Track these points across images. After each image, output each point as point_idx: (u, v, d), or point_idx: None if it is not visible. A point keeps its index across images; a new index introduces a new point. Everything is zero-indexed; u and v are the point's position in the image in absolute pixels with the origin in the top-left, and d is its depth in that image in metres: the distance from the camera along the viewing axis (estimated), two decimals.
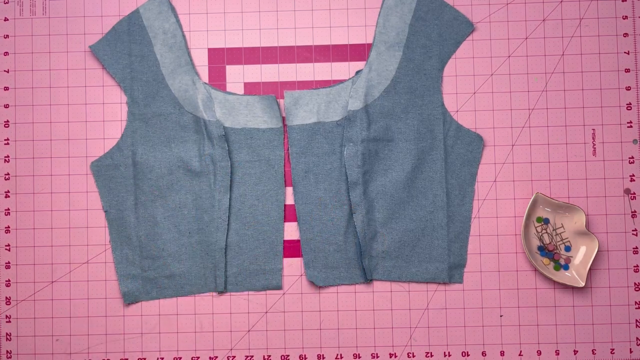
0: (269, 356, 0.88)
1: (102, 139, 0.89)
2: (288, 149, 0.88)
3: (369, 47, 0.89)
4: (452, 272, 0.87)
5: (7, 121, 0.89)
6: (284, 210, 0.88)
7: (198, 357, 0.88)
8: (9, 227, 0.89)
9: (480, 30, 0.89)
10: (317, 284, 0.87)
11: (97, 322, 0.88)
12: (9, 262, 0.89)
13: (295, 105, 0.87)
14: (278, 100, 0.88)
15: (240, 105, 0.87)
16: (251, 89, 0.89)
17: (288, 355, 0.88)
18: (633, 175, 0.88)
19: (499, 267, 0.88)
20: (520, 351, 0.87)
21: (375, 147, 0.86)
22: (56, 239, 0.88)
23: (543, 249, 0.87)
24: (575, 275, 0.86)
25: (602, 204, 0.88)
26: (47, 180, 0.89)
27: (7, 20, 0.90)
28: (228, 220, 0.87)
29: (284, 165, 0.88)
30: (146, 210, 0.88)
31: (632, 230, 0.88)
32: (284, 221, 0.88)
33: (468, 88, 0.89)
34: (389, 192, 0.87)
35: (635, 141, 0.88)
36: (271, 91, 0.89)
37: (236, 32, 0.90)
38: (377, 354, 0.87)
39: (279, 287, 0.88)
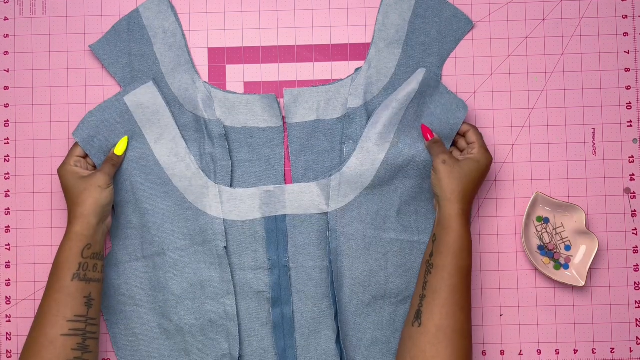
0: None
1: None
2: (288, 147, 0.88)
3: (369, 46, 0.89)
4: None
5: (7, 121, 0.89)
6: None
7: None
8: (9, 226, 0.89)
9: (480, 30, 0.89)
10: None
11: None
12: (9, 262, 0.89)
13: (295, 103, 0.87)
14: (278, 99, 0.88)
15: (240, 104, 0.87)
16: (251, 88, 0.89)
17: None
18: (633, 175, 0.88)
19: (499, 266, 0.88)
20: (520, 350, 0.87)
21: None
22: (56, 239, 0.88)
23: (543, 249, 0.87)
24: (575, 274, 0.86)
25: (602, 203, 0.88)
26: (47, 180, 0.89)
27: (7, 19, 0.90)
28: None
29: (284, 164, 0.88)
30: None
31: (632, 230, 0.88)
32: None
33: (468, 87, 0.89)
34: None
35: (635, 140, 0.88)
36: (271, 90, 0.89)
37: (236, 32, 0.90)
38: None
39: None
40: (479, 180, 0.80)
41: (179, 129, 0.86)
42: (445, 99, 0.84)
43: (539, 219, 0.87)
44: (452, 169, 0.79)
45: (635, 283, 0.87)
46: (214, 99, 0.87)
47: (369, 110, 0.86)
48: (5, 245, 0.89)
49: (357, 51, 0.89)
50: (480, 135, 0.82)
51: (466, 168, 0.79)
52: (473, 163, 0.80)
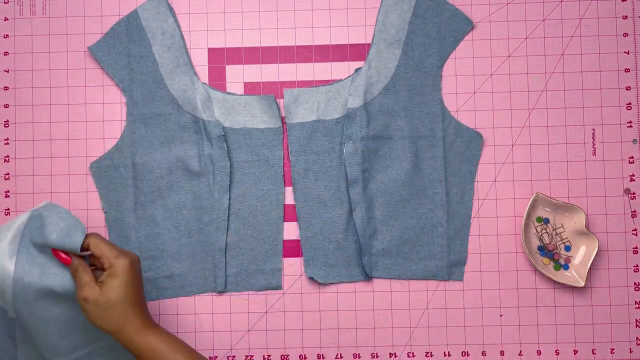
0: (269, 356, 0.88)
1: (102, 139, 0.89)
2: (287, 148, 0.88)
3: (369, 46, 0.89)
4: (452, 270, 0.87)
5: (7, 121, 0.89)
6: (284, 210, 0.88)
7: None
8: None
9: (480, 30, 0.89)
10: (318, 281, 0.87)
11: None
12: None
13: (294, 103, 0.87)
14: (277, 99, 0.88)
15: (239, 105, 0.87)
16: (251, 88, 0.89)
17: (288, 355, 0.88)
18: (633, 175, 0.88)
19: (499, 267, 0.88)
20: (520, 351, 0.87)
21: (374, 145, 0.86)
22: None
23: (543, 249, 0.87)
24: (575, 275, 0.86)
25: (602, 203, 0.88)
26: (47, 180, 0.89)
27: (7, 20, 0.90)
28: (227, 220, 0.87)
29: (284, 165, 0.88)
30: (146, 211, 0.88)
31: (632, 230, 0.88)
32: (284, 221, 0.88)
33: (468, 88, 0.89)
34: (389, 189, 0.87)
35: (635, 141, 0.88)
36: (271, 91, 0.89)
37: (236, 32, 0.90)
38: (377, 353, 0.87)
39: (278, 287, 0.88)
40: (133, 285, 0.71)
41: (179, 130, 0.87)
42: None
43: (539, 219, 0.87)
44: (98, 304, 0.69)
45: (635, 284, 0.87)
46: (212, 100, 0.87)
47: (369, 111, 0.86)
48: None
49: (357, 51, 0.89)
50: (105, 244, 0.72)
51: (112, 293, 0.69)
52: (114, 281, 0.70)
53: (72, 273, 0.72)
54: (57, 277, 0.73)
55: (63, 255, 0.72)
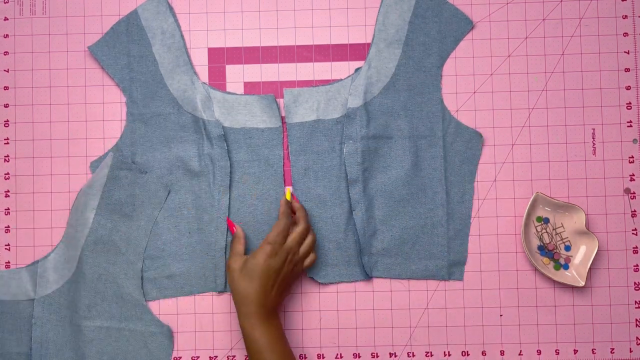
0: None
1: (102, 139, 0.89)
2: (287, 147, 0.88)
3: (369, 46, 0.89)
4: (452, 270, 0.87)
5: (7, 121, 0.89)
6: None
7: (198, 357, 0.88)
8: (9, 227, 0.89)
9: (480, 30, 0.89)
10: (318, 281, 0.87)
11: None
12: (9, 262, 0.89)
13: (295, 103, 0.87)
14: (277, 99, 0.88)
15: (239, 105, 0.87)
16: (251, 88, 0.89)
17: None
18: (633, 175, 0.88)
19: (499, 266, 0.88)
20: (520, 351, 0.87)
21: (374, 145, 0.86)
22: (56, 239, 0.88)
23: (543, 249, 0.87)
24: (575, 274, 0.86)
25: (602, 203, 0.88)
26: (47, 179, 0.89)
27: (7, 19, 0.90)
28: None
29: (284, 165, 0.88)
30: None
31: (632, 230, 0.88)
32: None
33: (468, 87, 0.89)
34: (389, 189, 0.87)
35: (635, 141, 0.88)
36: (271, 91, 0.89)
37: (236, 32, 0.90)
38: (377, 353, 0.87)
39: None
40: (260, 279, 0.78)
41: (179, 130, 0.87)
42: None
43: (539, 219, 0.87)
44: (233, 276, 0.79)
45: (635, 283, 0.87)
46: (212, 100, 0.87)
47: (369, 111, 0.86)
48: (5, 245, 0.89)
49: (357, 51, 0.89)
50: (275, 231, 0.80)
51: (243, 275, 0.79)
52: (249, 265, 0.79)
53: (232, 239, 0.84)
54: (123, 236, 0.85)
55: (232, 225, 0.85)
